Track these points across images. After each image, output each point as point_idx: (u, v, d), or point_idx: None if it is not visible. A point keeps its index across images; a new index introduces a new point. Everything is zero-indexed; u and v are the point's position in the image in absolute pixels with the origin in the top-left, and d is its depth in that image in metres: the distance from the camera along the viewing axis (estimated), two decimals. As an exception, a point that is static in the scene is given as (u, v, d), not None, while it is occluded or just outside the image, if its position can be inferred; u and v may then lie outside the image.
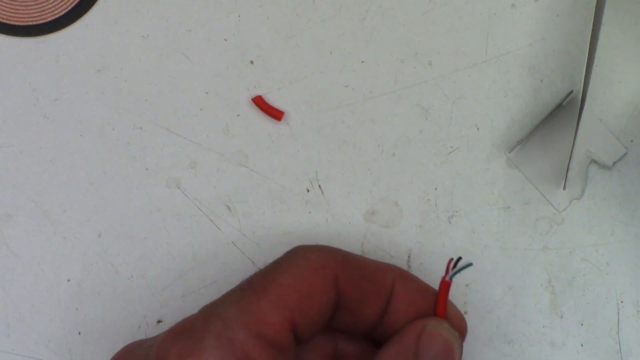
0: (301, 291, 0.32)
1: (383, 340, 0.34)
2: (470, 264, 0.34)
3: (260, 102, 0.40)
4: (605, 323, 0.39)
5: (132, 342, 0.34)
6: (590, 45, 0.38)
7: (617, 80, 0.39)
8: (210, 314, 0.31)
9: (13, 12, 0.41)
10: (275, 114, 0.40)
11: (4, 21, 0.40)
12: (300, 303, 0.32)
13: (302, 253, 0.33)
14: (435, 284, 0.35)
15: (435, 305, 0.34)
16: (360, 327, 0.35)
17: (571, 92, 0.39)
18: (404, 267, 0.40)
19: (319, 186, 0.40)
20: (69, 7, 0.40)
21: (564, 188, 0.39)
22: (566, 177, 0.38)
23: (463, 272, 0.36)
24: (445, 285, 0.34)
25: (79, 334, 0.40)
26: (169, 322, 0.39)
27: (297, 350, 0.33)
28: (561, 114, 0.39)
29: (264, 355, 0.30)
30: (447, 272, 0.34)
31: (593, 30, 0.37)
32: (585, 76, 0.38)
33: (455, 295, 0.39)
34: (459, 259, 0.34)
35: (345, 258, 0.34)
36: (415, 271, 0.40)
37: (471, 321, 0.40)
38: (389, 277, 0.34)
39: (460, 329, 0.35)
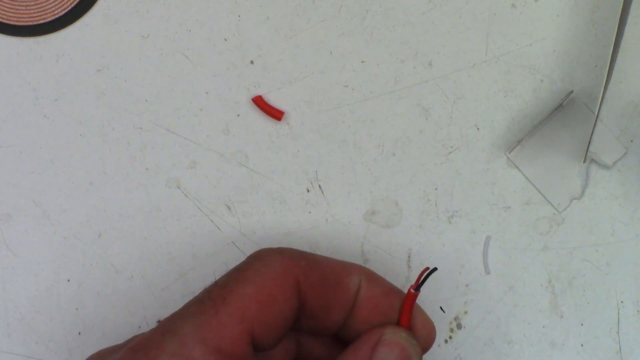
0: (262, 301, 0.31)
1: (348, 340, 0.34)
2: (435, 269, 0.33)
3: (260, 102, 0.40)
4: (605, 323, 0.39)
5: (95, 352, 0.33)
6: (615, 40, 0.37)
7: (617, 80, 0.39)
8: (167, 330, 0.31)
9: (13, 12, 0.41)
10: (275, 114, 0.40)
11: (4, 21, 0.40)
12: (260, 313, 0.31)
13: (264, 259, 0.33)
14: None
15: (400, 314, 0.33)
16: (323, 331, 0.34)
17: (571, 92, 0.39)
18: (404, 267, 0.40)
19: (319, 186, 0.40)
20: (69, 7, 0.40)
21: (584, 161, 0.38)
22: (587, 149, 0.38)
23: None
24: (411, 296, 0.33)
25: (79, 334, 0.40)
26: (169, 322, 0.39)
27: (258, 356, 0.32)
28: (561, 114, 0.39)
29: None
30: (416, 282, 0.33)
31: (619, 26, 0.37)
32: (610, 63, 0.37)
33: (455, 295, 0.39)
34: (434, 269, 0.33)
35: (309, 262, 0.33)
36: (415, 271, 0.40)
37: (471, 321, 0.40)
38: (354, 280, 0.34)
39: (426, 337, 0.34)
